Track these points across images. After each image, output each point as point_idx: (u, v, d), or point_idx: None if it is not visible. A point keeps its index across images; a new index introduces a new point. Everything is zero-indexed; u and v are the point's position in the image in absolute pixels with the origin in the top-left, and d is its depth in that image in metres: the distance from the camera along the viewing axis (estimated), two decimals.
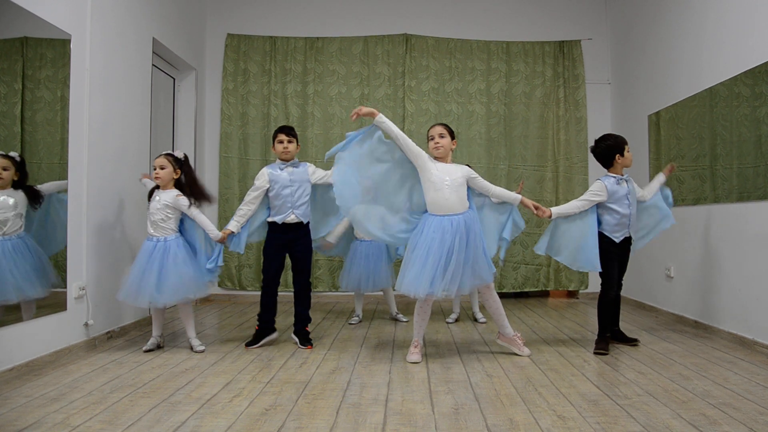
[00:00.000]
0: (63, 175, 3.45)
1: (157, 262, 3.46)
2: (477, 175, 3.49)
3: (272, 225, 3.73)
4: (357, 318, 4.68)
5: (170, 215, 3.57)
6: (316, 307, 5.47)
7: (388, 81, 5.94)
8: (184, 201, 3.59)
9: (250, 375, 3.05)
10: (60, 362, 3.29)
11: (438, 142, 3.43)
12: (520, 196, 3.51)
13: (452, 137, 3.49)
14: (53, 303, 3.38)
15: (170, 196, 3.58)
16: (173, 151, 3.82)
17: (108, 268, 3.91)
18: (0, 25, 3.04)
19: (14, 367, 2.99)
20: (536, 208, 3.51)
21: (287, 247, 3.75)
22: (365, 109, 3.34)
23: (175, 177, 3.65)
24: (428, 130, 3.52)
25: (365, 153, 3.39)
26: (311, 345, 3.76)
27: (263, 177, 3.71)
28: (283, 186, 3.68)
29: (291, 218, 3.69)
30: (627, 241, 3.65)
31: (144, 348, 3.59)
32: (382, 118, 3.36)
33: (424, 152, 3.45)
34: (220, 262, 3.62)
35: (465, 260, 3.27)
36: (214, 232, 3.60)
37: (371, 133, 3.42)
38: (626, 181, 3.65)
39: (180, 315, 3.73)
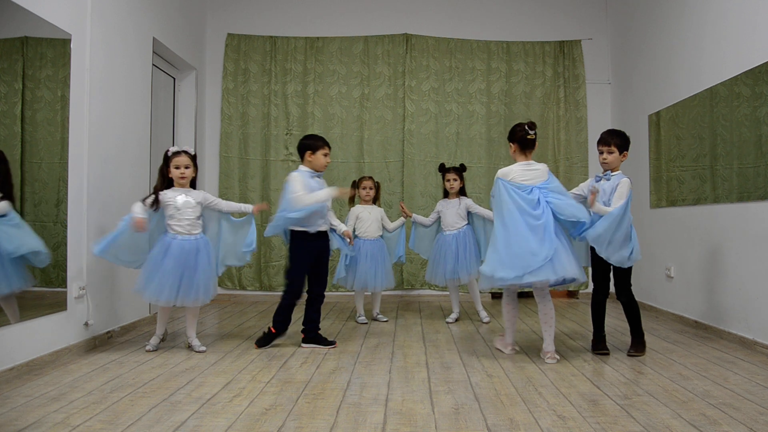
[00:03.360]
0: (63, 174, 3.45)
1: (191, 259, 3.47)
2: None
3: (302, 234, 3.64)
4: (364, 317, 4.66)
5: (200, 212, 3.60)
6: None
7: (388, 81, 5.94)
8: (211, 195, 3.69)
9: (250, 375, 3.05)
10: (60, 362, 3.29)
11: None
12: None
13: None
14: (53, 303, 3.38)
15: (199, 194, 3.62)
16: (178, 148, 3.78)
17: (108, 268, 3.91)
18: (0, 24, 3.05)
19: (14, 366, 2.99)
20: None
21: (315, 255, 3.73)
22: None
23: (194, 176, 3.67)
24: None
25: None
26: (335, 343, 3.82)
27: (299, 181, 3.59)
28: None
29: (323, 228, 3.74)
30: None
31: (147, 347, 3.58)
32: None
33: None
34: (254, 248, 3.70)
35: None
36: (248, 206, 3.72)
37: None
38: (607, 180, 3.54)
39: (186, 314, 3.69)
